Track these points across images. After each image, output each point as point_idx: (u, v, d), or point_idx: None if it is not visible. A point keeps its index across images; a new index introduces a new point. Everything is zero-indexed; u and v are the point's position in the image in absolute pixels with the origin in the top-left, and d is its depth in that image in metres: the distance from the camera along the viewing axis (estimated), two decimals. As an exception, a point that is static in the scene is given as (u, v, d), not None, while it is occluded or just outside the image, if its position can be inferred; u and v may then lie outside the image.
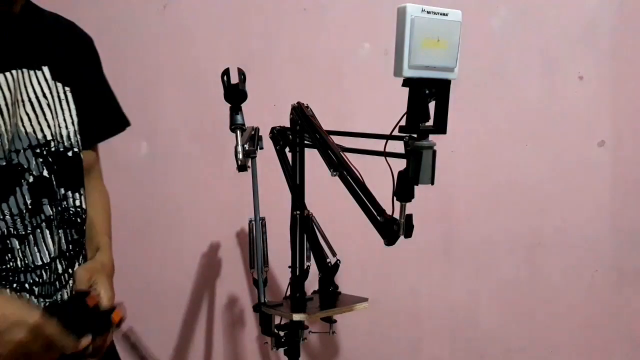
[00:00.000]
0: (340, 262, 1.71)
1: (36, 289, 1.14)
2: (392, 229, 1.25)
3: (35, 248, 1.14)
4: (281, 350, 1.72)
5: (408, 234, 1.26)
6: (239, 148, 1.53)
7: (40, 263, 1.15)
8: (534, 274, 2.29)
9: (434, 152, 1.18)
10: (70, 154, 1.20)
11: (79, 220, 1.22)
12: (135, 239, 2.02)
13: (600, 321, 2.33)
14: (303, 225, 1.68)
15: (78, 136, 1.22)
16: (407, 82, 1.12)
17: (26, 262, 1.12)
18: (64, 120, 1.19)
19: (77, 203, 1.22)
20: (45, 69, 1.17)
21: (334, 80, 2.12)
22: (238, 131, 1.58)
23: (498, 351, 2.31)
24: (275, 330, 1.70)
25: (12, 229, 1.09)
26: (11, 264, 1.09)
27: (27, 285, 1.13)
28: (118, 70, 1.98)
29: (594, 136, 2.27)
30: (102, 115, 1.35)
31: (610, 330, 2.33)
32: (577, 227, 2.28)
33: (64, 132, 1.19)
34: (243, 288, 2.13)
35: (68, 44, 1.27)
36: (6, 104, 1.07)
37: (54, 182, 1.17)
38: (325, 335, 1.90)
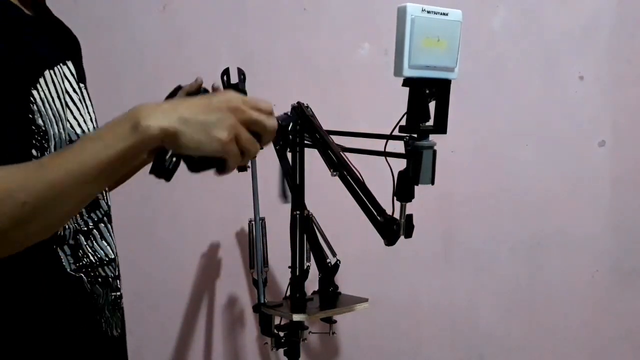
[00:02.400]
0: (340, 263, 1.71)
1: (113, 283, 1.13)
2: (392, 229, 1.25)
3: (104, 242, 1.11)
4: (281, 350, 1.72)
5: (408, 234, 1.27)
6: None
7: (112, 256, 1.14)
8: (534, 274, 2.29)
9: (434, 152, 1.19)
10: None
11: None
12: (135, 239, 2.02)
13: (600, 321, 2.33)
14: (303, 225, 1.68)
15: None
16: (407, 82, 1.12)
17: (98, 256, 1.10)
18: (89, 115, 1.14)
19: (108, 199, 1.19)
20: (69, 63, 1.09)
21: (334, 80, 2.12)
22: None
23: (498, 351, 2.30)
24: (275, 331, 1.70)
25: (77, 225, 1.05)
26: (86, 259, 1.06)
27: (109, 279, 1.12)
28: (117, 71, 1.99)
29: (594, 136, 2.27)
30: None
31: (610, 330, 2.33)
32: (577, 227, 2.28)
33: (91, 129, 1.13)
34: (243, 288, 2.13)
35: (72, 40, 1.22)
36: (60, 100, 1.01)
37: None
38: (325, 336, 1.90)
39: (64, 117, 1.02)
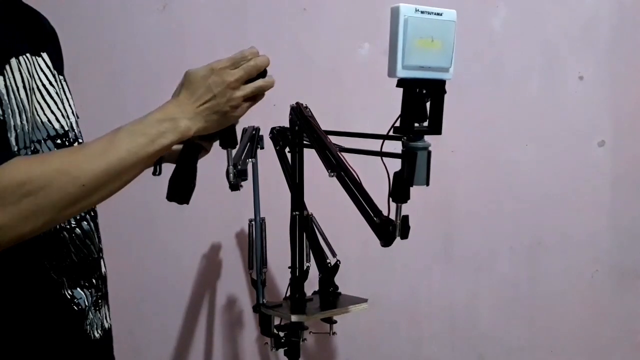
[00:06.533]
0: (340, 263, 1.71)
1: (96, 283, 1.11)
2: (387, 230, 1.25)
3: (87, 240, 1.10)
4: (281, 350, 1.72)
5: (404, 235, 1.26)
6: (230, 169, 1.36)
7: (96, 256, 1.12)
8: (534, 274, 2.28)
9: (429, 152, 1.18)
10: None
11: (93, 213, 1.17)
12: (135, 239, 2.02)
13: (600, 321, 2.33)
14: (302, 226, 1.68)
15: (79, 127, 1.16)
16: (401, 82, 1.12)
17: (81, 255, 1.08)
18: (71, 109, 1.13)
19: None
20: (45, 55, 1.08)
21: (334, 80, 2.12)
22: (228, 149, 1.33)
23: (498, 351, 2.30)
24: (275, 331, 1.70)
25: (60, 223, 1.03)
26: (69, 260, 1.05)
27: (93, 279, 1.10)
28: (117, 71, 1.99)
29: (594, 136, 2.27)
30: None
31: (610, 330, 2.33)
32: (577, 227, 2.28)
33: (73, 122, 1.12)
34: (243, 288, 2.13)
35: (47, 31, 1.19)
36: (26, 90, 0.99)
37: None
38: (325, 336, 1.90)
39: (28, 109, 0.99)
